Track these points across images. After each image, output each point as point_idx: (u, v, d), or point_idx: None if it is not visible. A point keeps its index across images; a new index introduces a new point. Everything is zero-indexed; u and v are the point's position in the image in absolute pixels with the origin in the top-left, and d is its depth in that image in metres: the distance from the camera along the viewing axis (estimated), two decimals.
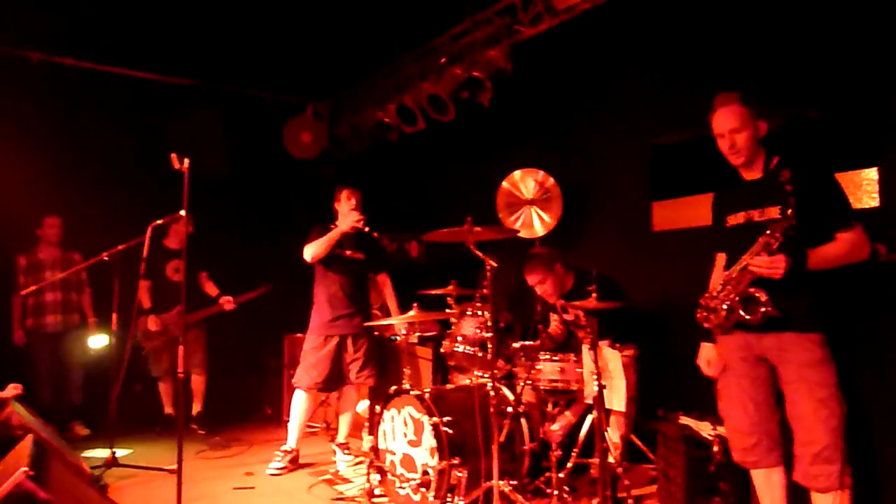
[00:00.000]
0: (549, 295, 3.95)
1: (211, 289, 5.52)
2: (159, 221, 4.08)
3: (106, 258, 4.27)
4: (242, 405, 6.11)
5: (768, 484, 2.72)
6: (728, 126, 2.64)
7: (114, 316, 4.33)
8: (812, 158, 3.17)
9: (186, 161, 3.17)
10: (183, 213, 3.25)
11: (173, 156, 3.16)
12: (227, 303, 5.40)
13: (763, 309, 2.50)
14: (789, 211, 2.44)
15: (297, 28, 5.61)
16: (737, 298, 2.58)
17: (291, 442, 4.39)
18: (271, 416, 5.96)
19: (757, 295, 2.52)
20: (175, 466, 3.07)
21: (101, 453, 4.30)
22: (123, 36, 5.46)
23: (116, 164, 5.91)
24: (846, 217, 2.56)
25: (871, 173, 3.27)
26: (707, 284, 2.89)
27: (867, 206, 3.26)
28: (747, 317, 2.54)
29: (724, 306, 2.62)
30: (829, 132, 3.42)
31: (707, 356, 2.90)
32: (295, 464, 4.36)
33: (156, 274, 5.19)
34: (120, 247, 4.26)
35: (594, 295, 3.28)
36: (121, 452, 4.27)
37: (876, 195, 3.25)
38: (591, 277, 3.58)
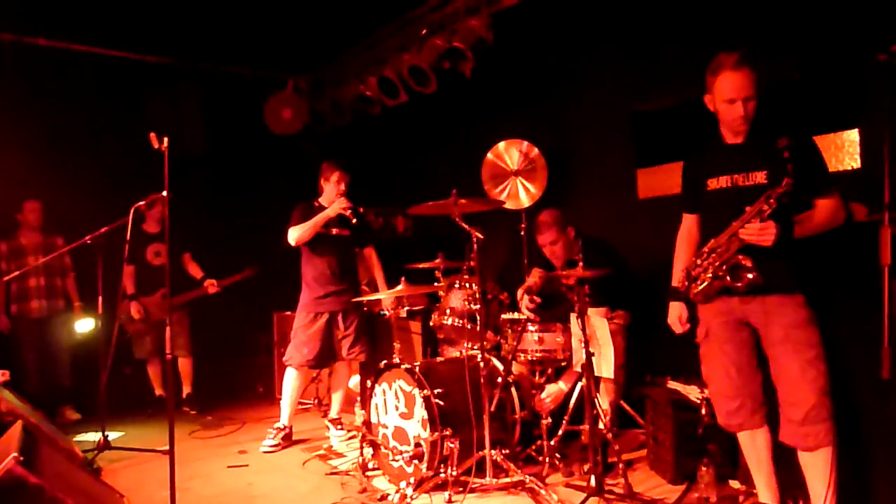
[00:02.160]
0: (557, 257, 3.95)
1: (195, 270, 5.49)
2: (141, 203, 4.04)
3: (89, 241, 4.22)
4: (233, 385, 6.12)
5: (753, 445, 2.77)
6: (744, 92, 2.56)
7: (99, 299, 4.30)
8: (794, 121, 3.18)
9: (166, 140, 3.12)
10: (165, 193, 3.21)
11: (152, 135, 3.11)
12: (212, 286, 5.38)
13: (749, 275, 2.52)
14: (786, 180, 2.43)
15: (275, 2, 5.49)
16: (724, 266, 2.59)
17: (284, 419, 4.41)
18: (263, 394, 5.98)
19: (743, 262, 2.53)
20: (168, 448, 3.07)
21: (93, 437, 4.30)
22: (98, 14, 5.32)
23: (95, 146, 5.81)
24: (827, 184, 2.59)
25: (853, 135, 3.28)
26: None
27: (849, 168, 3.27)
28: (736, 284, 2.56)
29: (709, 274, 2.64)
30: (811, 94, 3.42)
31: (677, 313, 2.93)
32: (288, 440, 4.38)
33: (136, 258, 5.16)
34: (103, 229, 4.21)
35: (580, 264, 3.30)
36: (112, 435, 4.27)
37: (857, 157, 3.26)
38: (596, 245, 3.67)
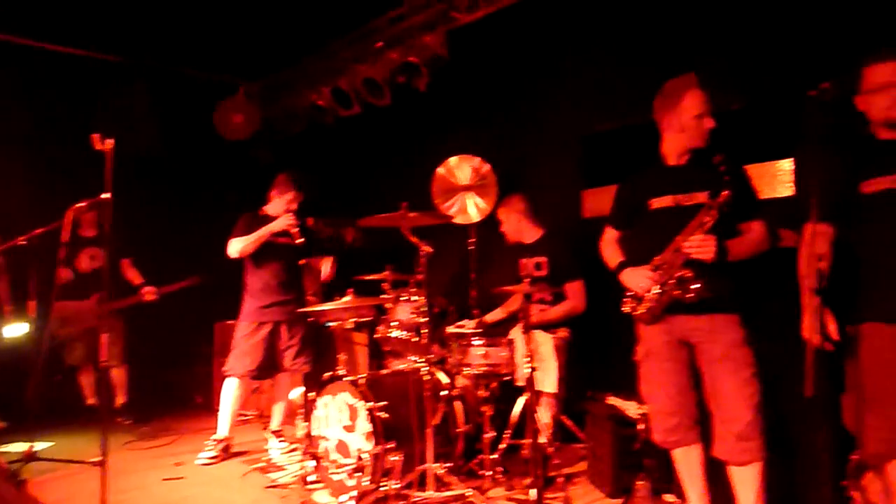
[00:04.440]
0: (506, 233, 4.33)
1: (134, 276, 5.34)
2: (81, 204, 3.90)
3: (23, 242, 4.06)
4: (171, 395, 5.95)
5: (687, 461, 2.86)
6: (708, 107, 2.72)
7: (31, 304, 4.13)
8: (735, 149, 3.32)
9: (109, 141, 3.04)
10: (107, 196, 3.12)
11: (95, 136, 3.02)
12: (149, 293, 5.24)
13: (696, 285, 2.58)
14: (725, 192, 2.54)
15: (229, 5, 5.43)
16: (671, 281, 2.67)
17: (223, 431, 4.31)
18: (202, 404, 5.83)
19: (690, 274, 2.61)
20: (100, 459, 2.97)
21: (20, 447, 4.11)
22: (45, 8, 5.17)
23: (36, 144, 5.61)
24: (755, 209, 2.73)
25: (787, 164, 3.45)
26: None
27: (783, 196, 3.44)
28: (686, 296, 2.61)
29: (657, 290, 2.71)
30: (751, 125, 3.58)
31: (636, 272, 2.84)
32: (227, 453, 4.29)
33: (70, 262, 4.99)
34: (37, 231, 4.05)
35: (526, 281, 3.36)
36: (40, 446, 4.09)
37: (791, 185, 3.43)
38: (557, 239, 4.14)
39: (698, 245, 2.57)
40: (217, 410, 4.44)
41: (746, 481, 2.63)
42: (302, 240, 4.25)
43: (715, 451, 2.70)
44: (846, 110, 2.42)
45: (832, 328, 2.45)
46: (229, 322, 5.34)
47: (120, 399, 5.34)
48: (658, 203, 2.81)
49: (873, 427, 2.36)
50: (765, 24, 3.50)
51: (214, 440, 4.26)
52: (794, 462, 2.77)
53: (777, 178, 3.49)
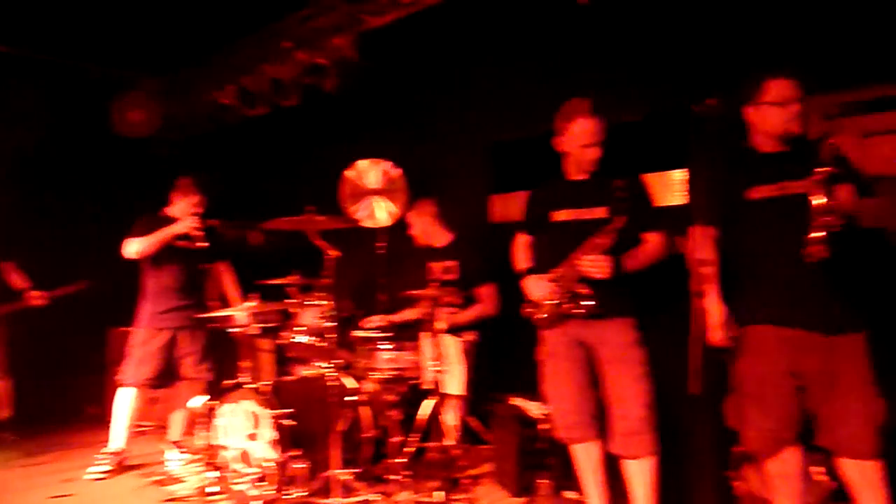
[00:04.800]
0: (416, 236, 4.36)
1: (18, 281, 4.99)
2: None
3: None
4: (61, 406, 5.58)
5: (587, 457, 2.98)
6: (598, 137, 2.83)
7: None
8: (634, 160, 3.49)
9: None
10: None
11: None
12: (37, 298, 4.92)
13: (588, 302, 2.74)
14: (621, 217, 2.69)
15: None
16: (564, 294, 2.80)
17: (117, 443, 4.11)
18: (94, 416, 5.50)
19: (582, 290, 2.75)
20: None
21: None
22: None
23: None
24: (655, 220, 2.88)
25: (679, 174, 3.64)
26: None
27: (677, 204, 3.63)
28: (573, 311, 2.77)
29: (553, 302, 2.84)
30: (650, 136, 3.76)
31: (535, 282, 2.97)
32: (121, 466, 4.08)
33: None
34: None
35: (434, 285, 3.39)
36: None
37: (683, 194, 3.62)
38: (467, 244, 4.23)
39: (592, 264, 2.71)
40: (111, 422, 4.22)
41: (639, 474, 2.77)
42: (204, 244, 4.11)
43: (610, 446, 2.83)
44: (730, 123, 2.57)
45: (728, 328, 2.56)
46: (124, 329, 5.09)
47: (4, 413, 4.97)
48: (559, 216, 2.94)
49: (755, 426, 2.52)
50: (662, 41, 3.68)
51: (107, 453, 4.05)
52: (683, 455, 2.93)
53: (671, 188, 3.68)
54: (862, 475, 2.40)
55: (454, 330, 3.95)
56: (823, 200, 2.26)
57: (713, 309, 2.54)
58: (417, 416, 3.74)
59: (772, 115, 2.53)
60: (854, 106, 2.78)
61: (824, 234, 2.28)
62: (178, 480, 3.87)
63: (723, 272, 2.61)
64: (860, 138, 2.97)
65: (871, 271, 2.61)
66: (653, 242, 2.87)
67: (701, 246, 2.53)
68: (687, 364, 2.10)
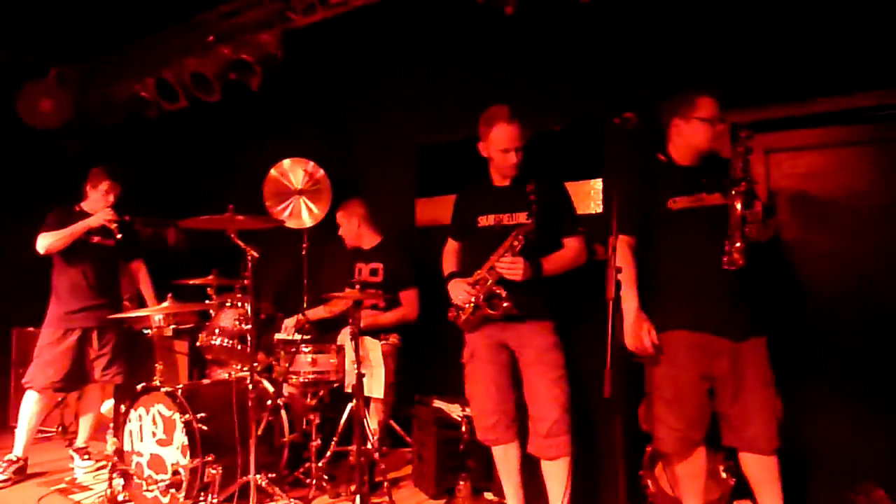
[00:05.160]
0: (344, 237, 4.32)
1: None
2: None
3: None
4: None
5: (506, 458, 3.03)
6: (517, 143, 2.86)
7: None
8: (553, 168, 3.58)
9: None
10: None
11: None
12: None
13: (504, 304, 2.80)
14: (530, 218, 2.76)
15: None
16: (482, 296, 2.85)
17: (18, 450, 3.89)
18: None
19: (499, 292, 2.81)
20: None
21: None
22: None
23: None
24: (574, 226, 2.96)
25: (598, 184, 3.76)
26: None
27: (594, 212, 3.74)
28: (490, 312, 2.83)
29: (472, 304, 2.88)
30: (568, 146, 3.87)
31: (459, 286, 2.98)
32: (22, 474, 3.87)
33: None
34: None
35: (357, 287, 3.37)
36: None
37: (600, 202, 3.74)
38: (395, 246, 4.22)
39: (508, 266, 2.78)
40: (13, 427, 3.99)
41: (555, 475, 2.84)
42: (121, 235, 3.95)
43: (529, 447, 2.90)
44: (644, 136, 2.67)
45: (651, 334, 2.65)
46: (30, 329, 4.83)
47: None
48: (484, 221, 2.99)
49: (668, 428, 2.63)
50: (581, 52, 3.80)
51: (6, 461, 3.83)
52: (597, 456, 3.03)
53: (590, 196, 3.79)
54: (763, 469, 2.56)
55: (376, 332, 3.95)
56: (742, 210, 2.44)
57: (632, 315, 2.63)
58: (339, 420, 3.72)
59: (700, 130, 2.64)
60: (756, 124, 2.94)
61: (743, 244, 2.44)
62: (84, 489, 3.70)
63: (638, 280, 2.71)
64: (763, 155, 3.16)
65: (766, 279, 2.78)
66: (571, 247, 2.95)
67: (619, 253, 2.62)
68: (602, 367, 2.17)
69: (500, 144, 2.88)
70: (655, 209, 2.70)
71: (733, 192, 2.48)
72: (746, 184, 2.47)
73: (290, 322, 4.09)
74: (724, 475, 2.89)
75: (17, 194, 5.69)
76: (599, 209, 3.73)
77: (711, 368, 2.59)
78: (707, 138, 2.65)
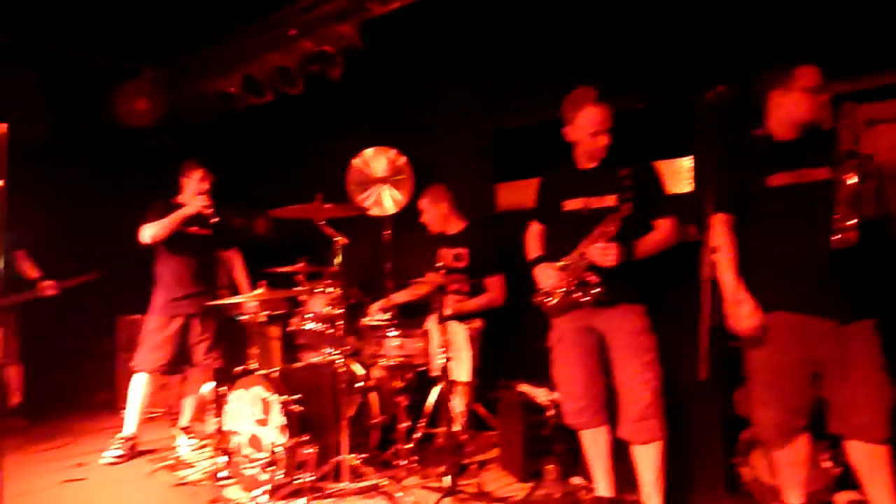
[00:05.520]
0: (428, 223, 4.31)
1: (30, 270, 5.03)
2: None
3: None
4: (71, 393, 5.63)
5: (595, 442, 3.00)
6: (606, 125, 2.80)
7: None
8: (639, 148, 3.49)
9: (4, 126, 2.85)
10: (0, 183, 2.92)
11: None
12: (49, 288, 4.96)
13: (596, 290, 2.75)
14: (627, 204, 2.69)
15: None
16: (573, 282, 2.81)
17: (130, 428, 4.15)
18: (104, 403, 5.57)
19: (591, 279, 2.77)
20: None
21: None
22: None
23: None
24: (665, 207, 2.88)
25: (688, 162, 3.65)
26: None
27: (684, 192, 3.63)
28: (581, 298, 2.79)
29: (562, 290, 2.85)
30: (654, 124, 3.76)
31: (545, 271, 2.97)
32: (134, 451, 4.12)
33: None
34: None
35: (441, 272, 3.41)
36: None
37: (691, 181, 3.63)
38: (480, 232, 4.22)
39: (600, 252, 2.72)
40: (121, 408, 4.27)
41: (647, 460, 2.79)
42: (217, 219, 4.14)
43: (619, 431, 2.86)
44: (737, 111, 2.56)
45: (755, 315, 2.54)
46: (133, 317, 5.14)
47: (15, 399, 5.02)
48: (570, 205, 2.94)
49: (767, 415, 2.54)
50: (671, 26, 3.67)
51: (120, 438, 4.09)
52: (691, 441, 2.96)
53: (679, 175, 3.68)
54: (872, 459, 2.42)
55: (461, 317, 3.98)
56: (857, 185, 2.27)
57: (732, 295, 2.53)
58: (425, 403, 3.78)
59: (801, 101, 2.51)
60: (857, 95, 2.76)
61: (857, 220, 2.28)
62: (189, 465, 3.91)
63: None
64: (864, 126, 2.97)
65: (877, 259, 2.62)
66: (662, 229, 2.87)
67: (717, 232, 2.54)
68: (696, 351, 2.12)
69: (588, 128, 2.82)
70: (753, 186, 2.58)
71: (845, 165, 2.32)
72: (860, 156, 2.32)
73: (376, 306, 4.19)
74: (827, 464, 2.77)
75: (119, 190, 6.05)
76: (688, 188, 3.61)
77: (814, 352, 2.47)
78: (808, 109, 2.51)
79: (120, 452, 4.03)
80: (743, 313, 2.51)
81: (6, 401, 4.94)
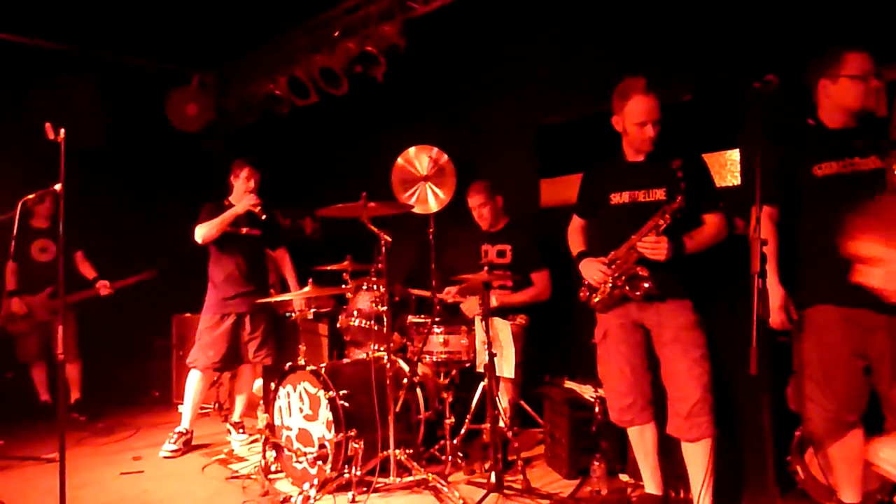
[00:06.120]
0: (483, 219, 4.27)
1: (87, 270, 5.23)
2: (30, 196, 3.80)
3: None
4: (127, 389, 5.83)
5: (642, 439, 2.97)
6: (654, 115, 2.74)
7: None
8: (685, 140, 3.43)
9: (62, 131, 2.97)
10: (58, 186, 3.05)
11: (48, 125, 2.95)
12: (104, 287, 5.14)
13: (645, 284, 2.72)
14: (680, 197, 2.65)
15: None
16: (622, 277, 2.78)
17: (185, 423, 4.28)
18: (159, 398, 5.74)
19: (640, 273, 2.73)
20: (54, 455, 2.92)
21: None
22: None
23: None
24: (714, 201, 2.83)
25: (735, 154, 3.57)
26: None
27: (731, 185, 3.56)
28: (634, 293, 2.75)
29: (609, 285, 2.82)
30: (701, 116, 3.69)
31: (592, 265, 2.92)
32: (188, 445, 4.25)
33: (20, 254, 4.86)
34: None
35: (485, 269, 3.41)
36: None
37: (738, 174, 3.55)
38: (522, 228, 4.21)
39: (651, 247, 2.68)
40: (175, 404, 4.39)
41: (697, 457, 2.75)
42: (266, 216, 4.24)
43: (668, 428, 2.82)
44: (786, 100, 2.50)
45: (788, 310, 2.53)
46: (187, 315, 5.29)
47: (73, 395, 5.23)
48: (618, 198, 2.90)
49: (818, 408, 2.48)
50: (718, 15, 3.60)
51: (177, 433, 4.22)
52: (742, 438, 2.90)
53: (726, 168, 3.61)
54: None
55: (505, 313, 3.98)
56: None
57: (772, 291, 2.49)
58: (470, 399, 3.80)
59: (850, 88, 2.45)
60: None
61: None
62: (241, 459, 4.02)
63: (784, 252, 2.56)
64: None
65: None
66: (712, 223, 2.82)
67: (762, 226, 2.49)
68: (746, 345, 2.08)
69: (636, 117, 2.77)
70: (800, 177, 2.52)
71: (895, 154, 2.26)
72: None
73: (452, 288, 4.21)
74: None
75: (172, 193, 6.23)
76: (736, 181, 3.54)
77: (866, 345, 2.41)
78: (858, 96, 2.44)
79: (175, 447, 4.15)
80: (772, 306, 2.46)
81: (67, 397, 5.14)
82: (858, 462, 2.51)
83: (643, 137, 2.78)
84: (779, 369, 2.73)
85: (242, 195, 4.29)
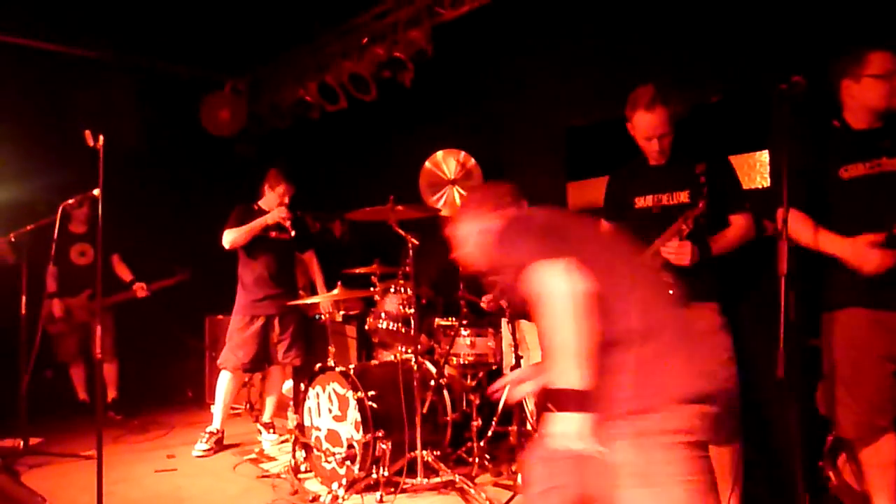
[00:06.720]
0: None
1: (124, 272, 5.37)
2: (70, 201, 3.93)
3: (13, 240, 4.09)
4: (161, 389, 5.96)
5: None
6: (659, 131, 2.74)
7: (22, 299, 4.16)
8: (713, 141, 3.40)
9: (101, 138, 3.07)
10: (97, 192, 3.15)
11: (87, 132, 3.05)
12: (140, 290, 5.28)
13: (670, 291, 2.70)
14: (702, 201, 2.63)
15: (215, 1, 5.43)
16: None
17: (216, 423, 4.37)
18: (192, 398, 5.87)
19: (665, 278, 2.72)
20: (92, 452, 3.01)
21: (12, 442, 4.15)
22: (27, 4, 5.14)
23: (20, 141, 5.59)
24: (741, 202, 2.81)
25: (764, 156, 3.53)
26: None
27: (760, 186, 3.52)
28: None
29: None
30: (729, 117, 3.66)
31: None
32: (220, 445, 4.34)
33: (60, 258, 5.01)
34: (28, 227, 4.08)
35: None
36: (32, 441, 4.13)
37: (767, 176, 3.51)
38: None
39: (675, 252, 2.67)
40: (208, 404, 4.48)
41: (724, 460, 2.72)
42: (294, 232, 4.30)
43: None
44: (813, 101, 2.48)
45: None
46: (219, 316, 5.39)
47: (110, 394, 5.37)
48: (642, 202, 2.90)
49: (848, 413, 2.45)
50: (743, 17, 3.57)
51: (208, 432, 4.31)
52: (771, 443, 2.87)
53: (755, 170, 3.57)
54: None
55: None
56: None
57: (841, 244, 2.43)
58: (498, 401, 3.81)
59: (873, 88, 2.43)
60: None
61: None
62: (271, 458, 4.09)
63: (811, 255, 2.53)
64: None
65: None
66: (739, 225, 2.80)
67: (798, 227, 2.46)
68: (773, 348, 2.06)
69: (641, 133, 2.79)
70: (825, 179, 2.50)
71: None
72: None
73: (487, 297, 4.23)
74: None
75: (205, 196, 6.35)
76: (765, 183, 3.50)
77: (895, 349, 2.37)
78: (882, 96, 2.41)
79: (207, 447, 4.24)
80: (854, 252, 2.38)
81: (104, 396, 5.28)
82: (891, 467, 2.47)
83: (650, 151, 2.80)
84: (809, 373, 2.70)
85: (274, 206, 4.37)
